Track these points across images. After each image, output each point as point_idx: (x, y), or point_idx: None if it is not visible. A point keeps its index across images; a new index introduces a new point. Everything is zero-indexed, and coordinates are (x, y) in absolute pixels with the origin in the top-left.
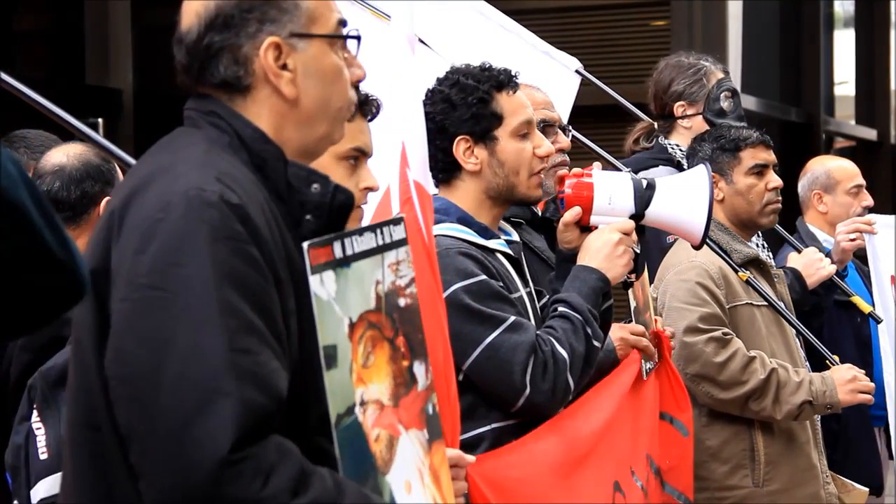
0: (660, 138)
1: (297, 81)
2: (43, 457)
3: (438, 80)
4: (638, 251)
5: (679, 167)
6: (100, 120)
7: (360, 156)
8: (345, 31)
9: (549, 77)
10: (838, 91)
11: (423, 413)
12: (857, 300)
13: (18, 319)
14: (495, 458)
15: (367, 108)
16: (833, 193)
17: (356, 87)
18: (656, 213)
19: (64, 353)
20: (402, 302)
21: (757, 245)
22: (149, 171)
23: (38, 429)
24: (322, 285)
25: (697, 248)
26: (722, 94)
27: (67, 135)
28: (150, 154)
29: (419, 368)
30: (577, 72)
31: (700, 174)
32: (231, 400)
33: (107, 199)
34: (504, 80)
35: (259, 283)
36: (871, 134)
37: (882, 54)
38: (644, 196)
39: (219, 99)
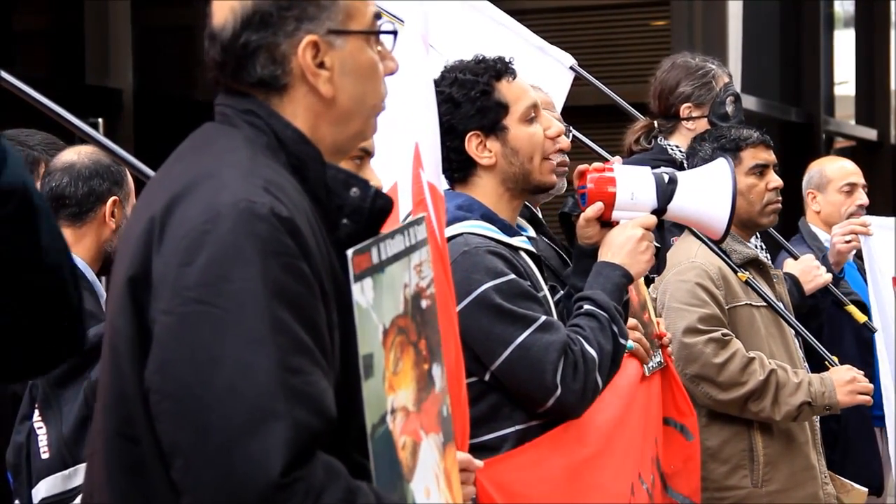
0: (659, 139)
1: (334, 79)
2: (44, 456)
3: (435, 80)
4: (659, 246)
5: (680, 168)
6: (100, 120)
7: (364, 156)
8: (379, 24)
9: (541, 72)
10: (838, 91)
11: (439, 416)
12: (852, 310)
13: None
14: (504, 461)
15: None
16: (825, 192)
17: None
18: (679, 207)
19: None
20: (423, 304)
21: (755, 247)
22: (190, 176)
23: (39, 428)
24: (363, 293)
25: (720, 241)
26: (728, 99)
27: (69, 134)
28: (185, 155)
29: (436, 370)
30: (571, 68)
31: (722, 167)
32: (283, 422)
33: (114, 198)
34: (502, 69)
35: (308, 300)
36: (871, 134)
37: (882, 54)
38: (666, 190)
39: (255, 97)
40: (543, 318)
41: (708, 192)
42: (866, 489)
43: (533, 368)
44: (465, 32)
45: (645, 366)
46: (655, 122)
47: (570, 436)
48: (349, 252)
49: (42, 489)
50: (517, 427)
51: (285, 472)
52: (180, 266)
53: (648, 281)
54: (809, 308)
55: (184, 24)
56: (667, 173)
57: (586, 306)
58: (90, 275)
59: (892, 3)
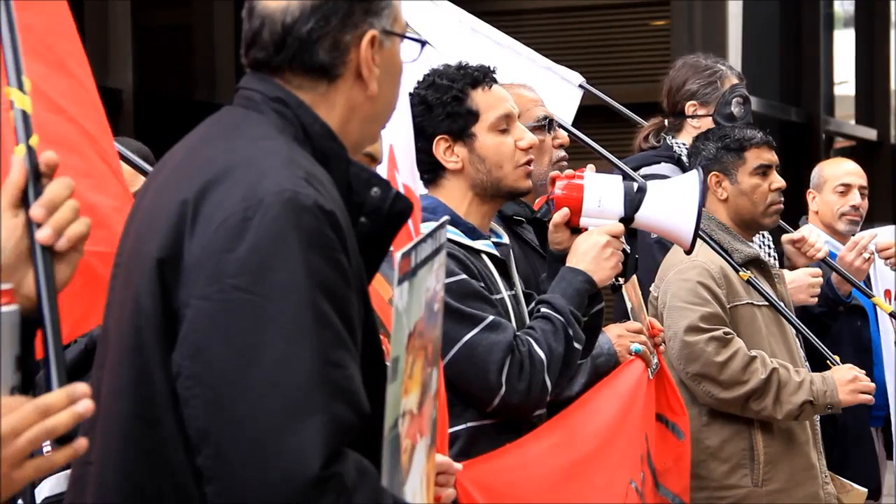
0: (668, 137)
1: (380, 78)
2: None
3: (417, 82)
4: (629, 252)
5: (680, 164)
6: None
7: (371, 162)
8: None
9: (550, 92)
10: (838, 91)
11: (430, 418)
12: (878, 301)
13: None
14: (486, 462)
15: None
16: (821, 192)
17: None
18: (646, 216)
19: (70, 352)
20: (435, 307)
21: (760, 245)
22: (225, 161)
23: None
24: (401, 297)
25: (688, 252)
26: (734, 100)
27: None
28: (213, 138)
29: (434, 374)
30: (580, 86)
31: (691, 179)
32: (323, 416)
33: None
34: (479, 77)
35: (346, 294)
36: (871, 134)
37: (882, 54)
38: (634, 199)
39: (284, 86)
40: (491, 317)
41: (675, 204)
42: (866, 489)
43: (477, 367)
44: (468, 55)
45: (649, 369)
46: (666, 121)
47: (560, 438)
48: (398, 254)
49: (45, 488)
50: (469, 424)
51: (324, 466)
52: (221, 252)
53: (615, 288)
54: (812, 318)
55: (184, 24)
56: (637, 183)
57: (543, 309)
58: None
59: (893, 3)
